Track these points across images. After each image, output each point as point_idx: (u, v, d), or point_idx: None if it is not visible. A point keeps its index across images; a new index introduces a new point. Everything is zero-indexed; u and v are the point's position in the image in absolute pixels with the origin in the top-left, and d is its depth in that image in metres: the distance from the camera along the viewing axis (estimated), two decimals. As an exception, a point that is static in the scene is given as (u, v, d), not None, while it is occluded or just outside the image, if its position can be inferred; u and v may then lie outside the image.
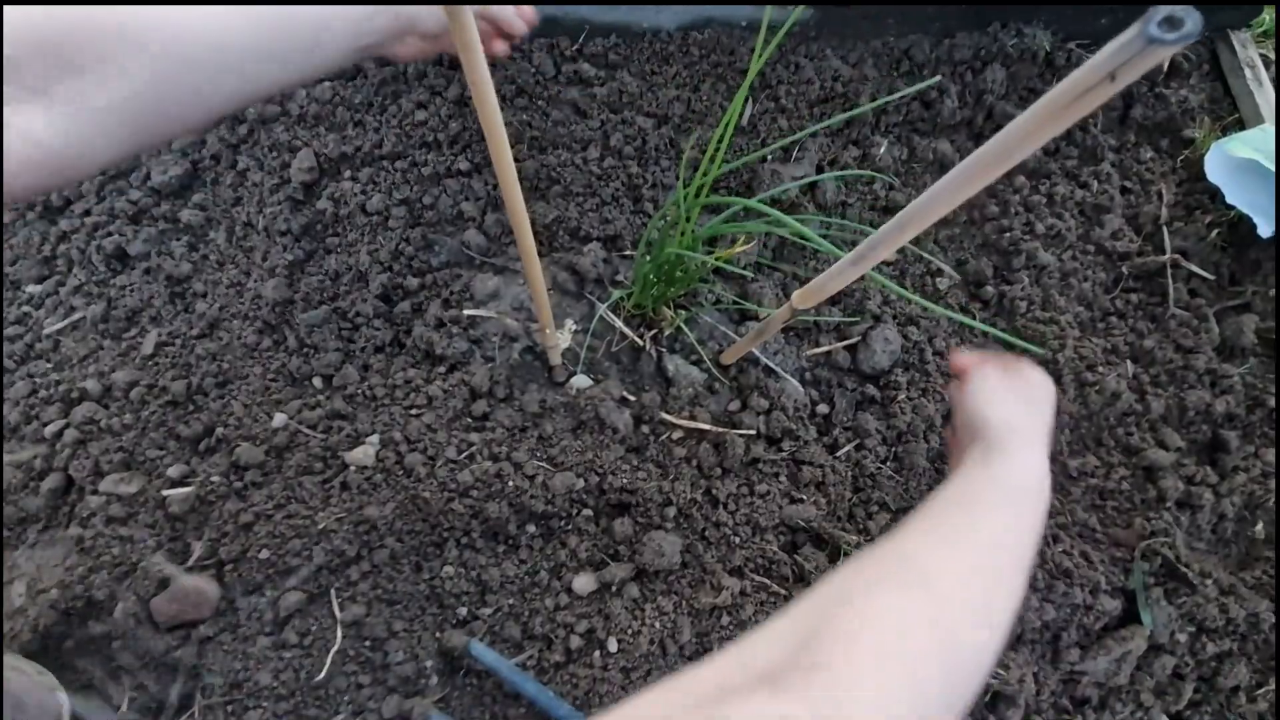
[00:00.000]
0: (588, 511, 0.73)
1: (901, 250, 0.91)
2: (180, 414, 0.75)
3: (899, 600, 0.34)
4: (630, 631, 0.68)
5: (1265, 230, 0.84)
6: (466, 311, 0.80)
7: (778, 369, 0.80)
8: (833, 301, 0.86)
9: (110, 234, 0.83)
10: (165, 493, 0.69)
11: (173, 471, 0.70)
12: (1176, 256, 0.88)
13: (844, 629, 0.32)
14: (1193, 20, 0.21)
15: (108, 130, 0.43)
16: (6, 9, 0.40)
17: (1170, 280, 0.87)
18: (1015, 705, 0.67)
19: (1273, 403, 0.81)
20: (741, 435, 0.76)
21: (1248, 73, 0.97)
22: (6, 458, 0.71)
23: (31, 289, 0.81)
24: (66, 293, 0.80)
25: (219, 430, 0.73)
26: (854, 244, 0.44)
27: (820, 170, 0.92)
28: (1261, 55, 1.00)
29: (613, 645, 0.68)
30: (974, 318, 0.86)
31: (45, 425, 0.72)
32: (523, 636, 0.69)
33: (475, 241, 0.85)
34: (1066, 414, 0.81)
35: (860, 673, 0.30)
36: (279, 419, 0.74)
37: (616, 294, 0.81)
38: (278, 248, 0.84)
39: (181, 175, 0.85)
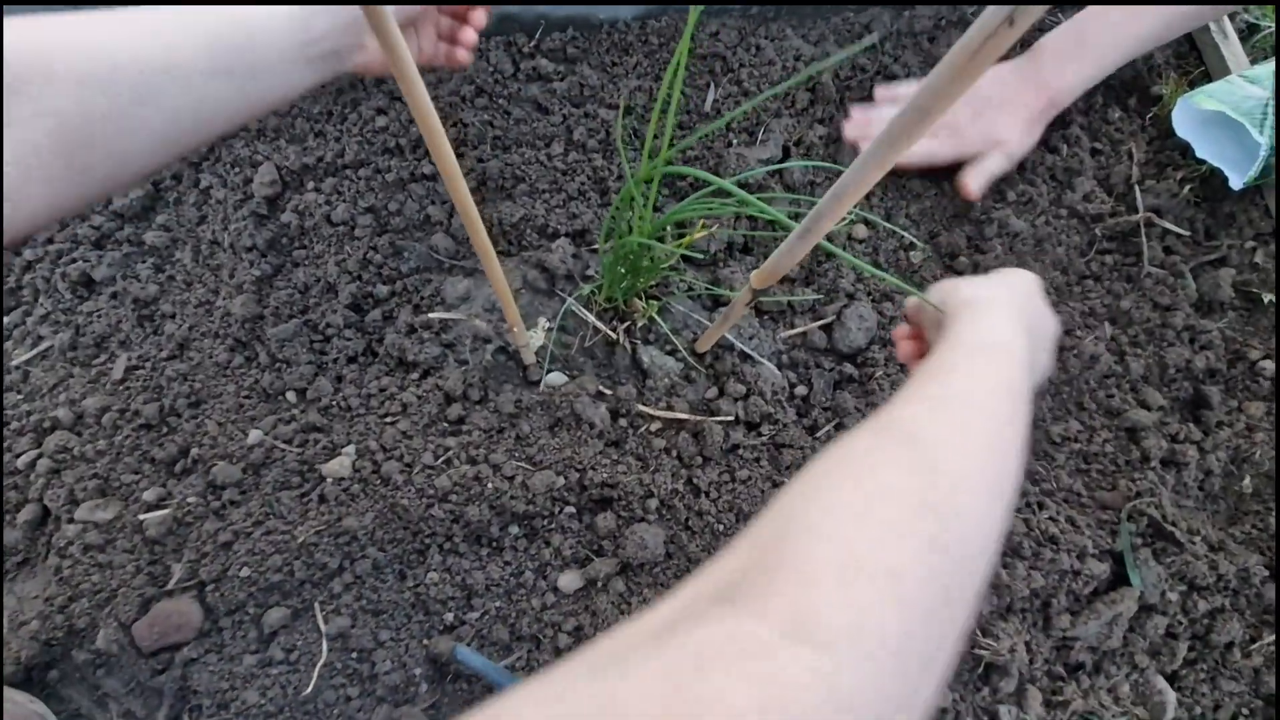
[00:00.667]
0: (569, 509, 0.72)
1: (873, 227, 0.90)
2: (154, 437, 0.74)
3: (878, 469, 0.29)
4: (618, 626, 0.67)
5: (1236, 182, 0.83)
6: (436, 316, 0.80)
7: (753, 353, 0.80)
8: (806, 282, 0.86)
9: (74, 260, 0.82)
10: (142, 516, 0.69)
11: (149, 495, 0.70)
12: (1150, 215, 0.87)
13: (813, 519, 0.27)
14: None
15: (45, 166, 0.39)
16: None
17: (1145, 239, 0.86)
18: (1008, 675, 0.67)
19: (1254, 355, 0.81)
20: (720, 422, 0.76)
21: (1212, 25, 0.96)
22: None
23: (-2, 321, 0.80)
24: (33, 322, 0.80)
25: (194, 451, 0.72)
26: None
27: (786, 151, 0.92)
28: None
29: (601, 641, 0.67)
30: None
31: (18, 456, 0.72)
32: (511, 638, 0.69)
33: (443, 245, 0.84)
34: (1047, 380, 0.80)
35: (831, 570, 0.25)
36: (254, 435, 0.74)
37: (587, 288, 0.80)
38: (244, 264, 0.83)
39: (143, 197, 0.84)
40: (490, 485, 0.70)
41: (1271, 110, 0.80)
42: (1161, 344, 0.82)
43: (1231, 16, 0.99)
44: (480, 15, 0.68)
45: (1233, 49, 0.95)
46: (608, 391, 0.78)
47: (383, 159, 0.88)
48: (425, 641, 0.68)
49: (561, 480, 0.72)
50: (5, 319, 0.80)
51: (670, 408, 0.77)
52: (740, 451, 0.75)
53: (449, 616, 0.69)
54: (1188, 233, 0.87)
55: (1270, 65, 0.85)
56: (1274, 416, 0.78)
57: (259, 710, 0.64)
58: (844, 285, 0.84)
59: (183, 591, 0.67)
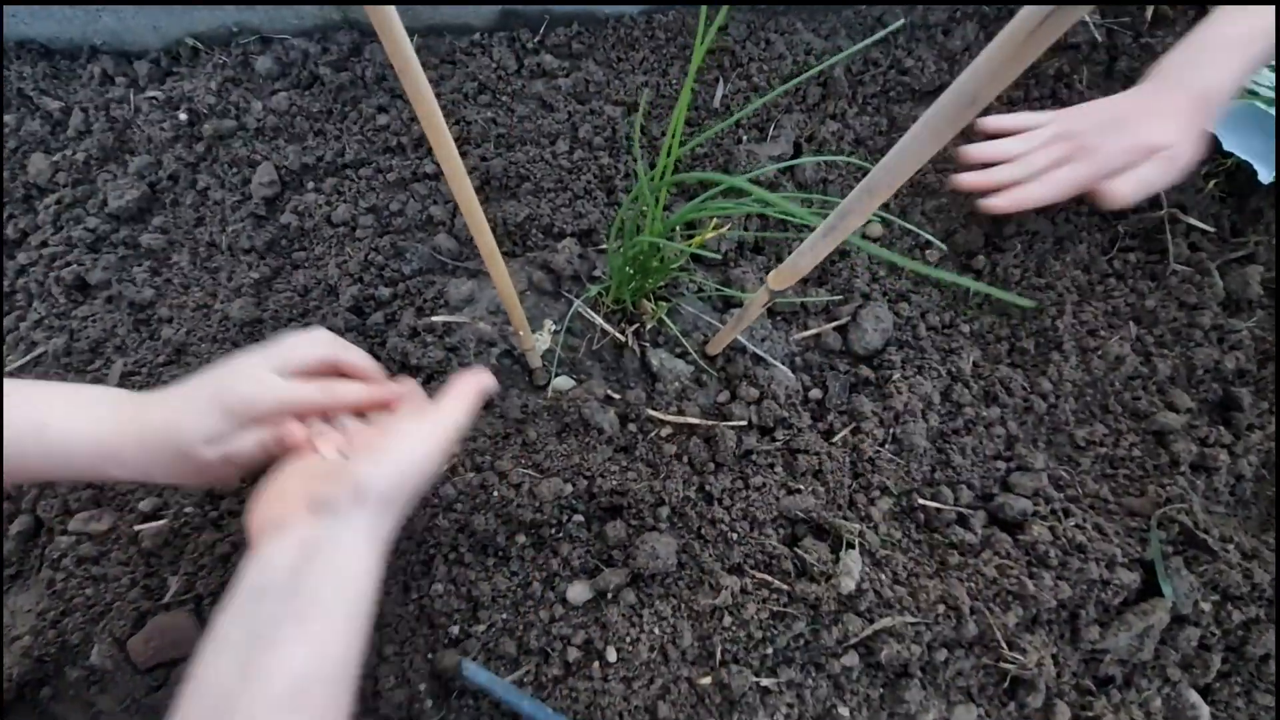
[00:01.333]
0: (578, 517, 0.70)
1: (888, 225, 0.87)
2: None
3: None
4: (629, 639, 0.65)
5: (1265, 176, 0.80)
6: (440, 319, 0.77)
7: (766, 356, 0.77)
8: (820, 282, 0.83)
9: (69, 264, 0.80)
10: (137, 528, 0.67)
11: (144, 505, 0.68)
12: (1174, 211, 0.84)
13: None
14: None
15: None
16: None
17: (1169, 236, 0.84)
18: (1035, 690, 0.64)
19: (1284, 356, 0.78)
20: (732, 427, 0.73)
21: (1235, 16, 0.93)
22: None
23: (-8, 326, 0.78)
24: (27, 328, 0.78)
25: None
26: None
27: (798, 148, 0.89)
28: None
29: (611, 655, 0.65)
30: (969, 289, 0.83)
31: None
32: (518, 652, 0.66)
33: (446, 246, 0.82)
34: (1070, 382, 0.77)
35: None
36: (253, 443, 0.71)
37: (594, 289, 0.78)
38: (243, 266, 0.81)
39: (139, 198, 0.82)
40: (497, 493, 0.68)
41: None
42: (1189, 344, 0.79)
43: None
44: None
45: (1257, 40, 0.92)
46: (616, 396, 0.76)
47: (384, 158, 0.86)
48: (430, 656, 0.66)
49: (570, 488, 0.69)
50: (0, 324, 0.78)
51: (681, 412, 0.74)
52: (754, 457, 0.73)
53: (454, 630, 0.67)
54: (1213, 229, 0.85)
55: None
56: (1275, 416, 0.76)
57: (258, 728, 0.61)
58: (859, 285, 0.82)
59: (179, 605, 0.65)
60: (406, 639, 0.66)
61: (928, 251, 0.86)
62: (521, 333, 0.68)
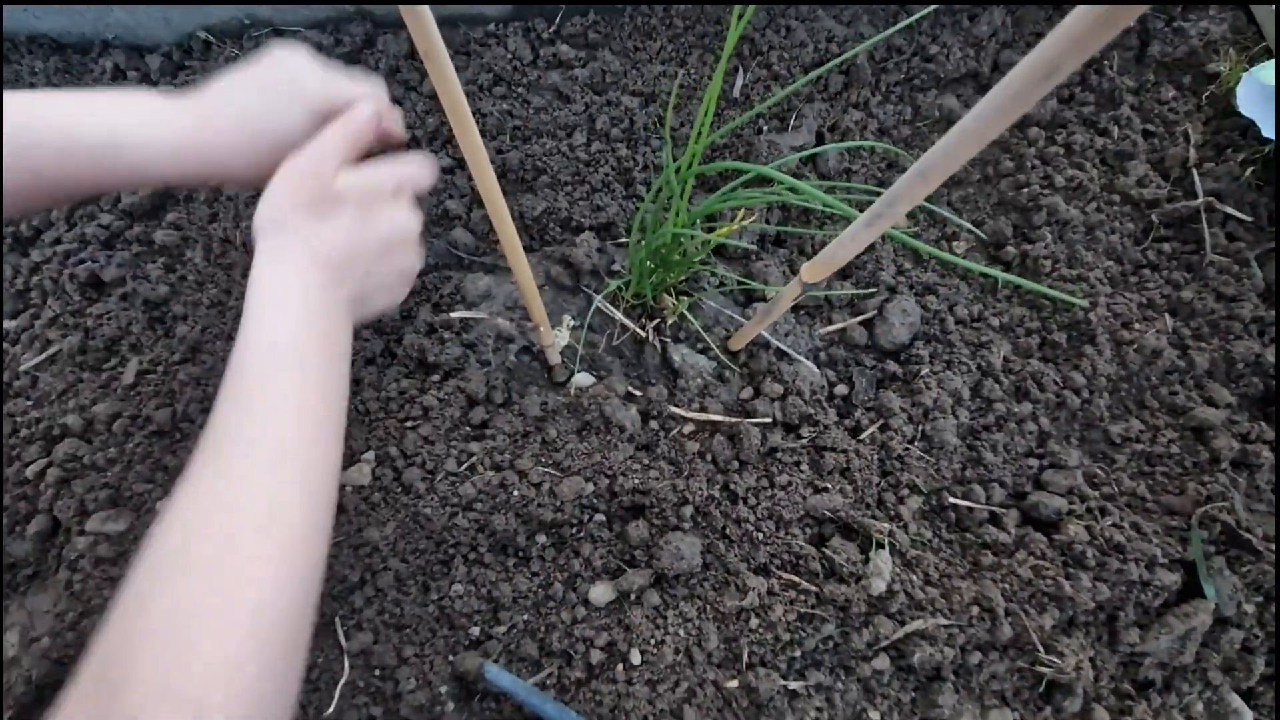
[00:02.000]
0: (600, 517, 0.69)
1: (912, 215, 0.85)
2: (166, 444, 0.71)
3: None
4: (653, 641, 0.64)
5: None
6: (457, 315, 0.76)
7: (790, 351, 0.75)
8: (844, 275, 0.81)
9: (83, 261, 0.79)
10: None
11: (162, 505, 0.67)
12: (1210, 199, 0.82)
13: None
14: None
15: None
16: None
17: (1205, 225, 0.81)
18: (1073, 694, 0.62)
19: (1327, 348, 0.76)
20: (757, 424, 0.71)
21: (1273, -3, 0.90)
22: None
23: (6, 324, 0.78)
24: (41, 325, 0.77)
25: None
26: (864, 210, 0.40)
27: (820, 138, 0.87)
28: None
29: (636, 657, 0.64)
30: (997, 281, 0.81)
31: (27, 466, 0.69)
32: (540, 654, 0.65)
33: (463, 240, 0.81)
34: (1104, 376, 0.75)
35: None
36: (269, 442, 0.70)
37: (613, 284, 0.76)
38: (257, 263, 0.80)
39: (152, 194, 0.81)
40: (516, 492, 0.67)
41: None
42: (1227, 337, 0.77)
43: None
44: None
45: (1296, 22, 0.89)
46: (637, 392, 0.74)
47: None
48: (450, 658, 0.65)
49: (591, 487, 0.68)
50: (14, 323, 0.78)
51: (703, 409, 0.73)
52: (779, 455, 0.71)
53: (475, 631, 0.65)
54: (1251, 218, 0.82)
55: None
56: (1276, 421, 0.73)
57: (278, 731, 0.61)
58: (884, 278, 0.80)
59: (198, 606, 0.64)
60: (426, 640, 0.65)
61: (955, 242, 0.83)
62: (542, 329, 0.67)
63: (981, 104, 0.26)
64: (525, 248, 0.81)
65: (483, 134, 0.84)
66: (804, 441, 0.72)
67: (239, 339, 0.43)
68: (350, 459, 0.69)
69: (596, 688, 0.63)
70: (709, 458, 0.71)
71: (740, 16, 0.43)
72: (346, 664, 0.63)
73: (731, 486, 0.69)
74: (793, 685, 0.62)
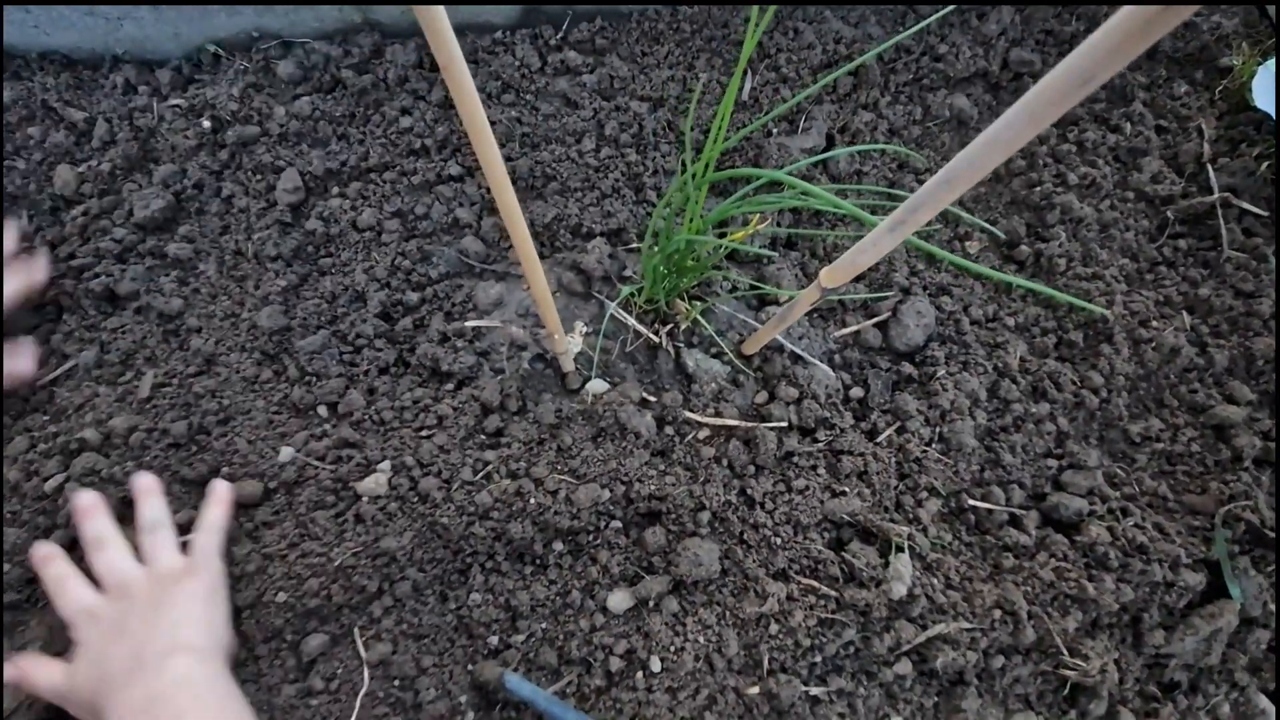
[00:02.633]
0: (616, 523, 0.69)
1: (925, 216, 0.85)
2: (183, 456, 0.71)
3: None
4: (673, 649, 0.63)
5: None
6: (470, 323, 0.76)
7: (805, 354, 0.75)
8: (857, 277, 0.81)
9: (97, 275, 0.79)
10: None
11: (180, 518, 0.67)
12: (1226, 195, 0.81)
13: None
14: None
15: None
16: None
17: (1221, 221, 0.80)
18: (1098, 697, 0.62)
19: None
20: (772, 429, 0.71)
21: (1285, -10, 0.90)
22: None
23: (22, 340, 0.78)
24: (57, 340, 0.77)
25: (224, 470, 0.69)
26: (876, 213, 0.39)
27: (831, 140, 0.87)
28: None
29: (655, 665, 0.63)
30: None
31: (45, 480, 0.69)
32: (559, 662, 0.65)
33: (474, 249, 0.81)
34: (1122, 375, 0.75)
35: None
36: (285, 453, 0.70)
37: (626, 290, 0.76)
38: (270, 274, 0.80)
39: (165, 208, 0.82)
40: (533, 500, 0.67)
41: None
42: (1246, 333, 0.76)
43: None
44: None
45: (1309, 14, 0.88)
46: (652, 398, 0.74)
47: (408, 161, 0.85)
48: (470, 667, 0.65)
49: (607, 493, 0.68)
50: (31, 336, 0.78)
51: (719, 414, 0.72)
52: (795, 459, 0.71)
53: (493, 640, 0.65)
54: (1268, 213, 0.81)
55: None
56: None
57: (299, 743, 0.61)
58: (898, 279, 0.79)
59: (217, 619, 0.64)
60: (445, 650, 0.65)
61: (968, 243, 0.83)
62: (556, 336, 0.66)
63: (1013, 111, 0.26)
64: (537, 255, 0.81)
65: (492, 142, 0.85)
66: (820, 445, 0.71)
67: None
68: (366, 469, 0.69)
69: (617, 695, 0.62)
70: (725, 463, 0.71)
71: (757, 24, 0.43)
72: (366, 674, 0.63)
73: (748, 491, 0.69)
74: (814, 691, 0.62)
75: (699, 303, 0.77)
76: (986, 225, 0.63)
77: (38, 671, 0.57)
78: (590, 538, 0.68)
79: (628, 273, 0.80)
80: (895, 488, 0.70)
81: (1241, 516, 0.66)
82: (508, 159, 0.84)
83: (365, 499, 0.68)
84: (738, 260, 0.81)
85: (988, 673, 0.63)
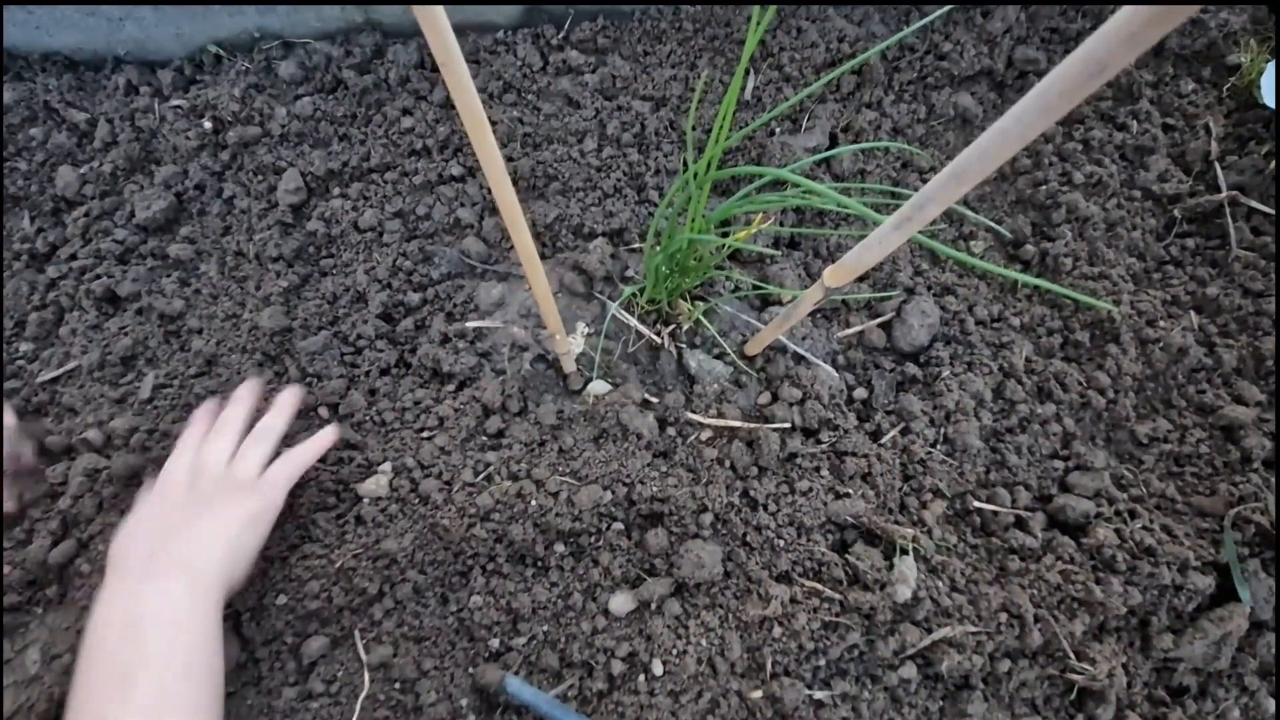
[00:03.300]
0: (618, 525, 0.68)
1: (929, 215, 0.84)
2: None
3: None
4: (675, 652, 0.63)
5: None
6: (471, 324, 0.76)
7: (808, 355, 0.74)
8: (861, 277, 0.80)
9: (99, 276, 0.79)
10: (174, 543, 0.65)
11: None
12: (1234, 193, 0.80)
13: None
14: None
15: None
16: None
17: (1229, 220, 0.80)
18: (1105, 701, 0.61)
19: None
20: (775, 430, 0.71)
21: (1293, -14, 0.89)
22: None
23: (24, 344, 0.78)
24: (60, 341, 0.77)
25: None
26: (880, 213, 0.39)
27: (834, 139, 0.86)
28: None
29: (658, 668, 0.63)
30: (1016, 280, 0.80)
31: (47, 481, 0.69)
32: (561, 665, 0.64)
33: (475, 249, 0.80)
34: (1129, 375, 0.74)
35: None
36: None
37: (628, 290, 0.76)
38: (271, 275, 0.80)
39: (166, 209, 0.82)
40: (534, 502, 0.66)
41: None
42: (1255, 333, 0.75)
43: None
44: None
45: (1318, 10, 0.88)
46: (654, 399, 0.73)
47: (409, 161, 0.85)
48: (471, 670, 0.64)
49: (609, 495, 0.67)
50: (31, 338, 0.78)
51: (721, 415, 0.72)
52: (799, 460, 0.70)
53: (495, 643, 0.65)
54: (1276, 211, 0.80)
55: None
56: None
57: (300, 746, 0.60)
58: (902, 279, 0.79)
59: (218, 621, 0.63)
60: (446, 652, 0.65)
61: (972, 242, 0.82)
62: (558, 337, 0.66)
63: (1023, 104, 0.25)
64: (538, 255, 0.81)
65: (494, 142, 0.84)
66: (824, 446, 0.71)
67: None
68: (367, 470, 0.69)
69: (619, 699, 0.62)
70: (728, 464, 0.70)
71: (759, 23, 0.42)
72: (367, 677, 0.62)
73: (751, 493, 0.69)
74: (818, 695, 0.61)
75: (701, 303, 0.76)
76: (992, 224, 0.63)
77: None
78: (592, 540, 0.67)
79: (629, 273, 0.79)
80: (900, 489, 0.69)
81: (1251, 519, 0.65)
82: (509, 159, 0.83)
83: (366, 500, 0.67)
84: (740, 260, 0.81)
85: (994, 677, 0.62)
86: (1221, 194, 0.80)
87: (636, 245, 0.81)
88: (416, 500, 0.67)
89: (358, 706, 0.61)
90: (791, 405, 0.72)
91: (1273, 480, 0.69)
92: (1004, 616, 0.62)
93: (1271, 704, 0.63)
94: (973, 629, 0.61)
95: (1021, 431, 0.72)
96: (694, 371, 0.75)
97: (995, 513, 0.68)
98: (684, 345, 0.76)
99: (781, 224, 0.81)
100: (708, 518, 0.67)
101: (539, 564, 0.67)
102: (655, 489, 0.67)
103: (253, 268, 0.81)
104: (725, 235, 0.75)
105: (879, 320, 0.77)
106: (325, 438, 0.67)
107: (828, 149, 0.85)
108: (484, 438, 0.71)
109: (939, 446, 0.71)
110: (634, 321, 0.75)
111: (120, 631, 0.52)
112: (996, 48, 0.89)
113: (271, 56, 0.87)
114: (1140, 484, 0.69)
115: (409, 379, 0.75)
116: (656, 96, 0.87)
